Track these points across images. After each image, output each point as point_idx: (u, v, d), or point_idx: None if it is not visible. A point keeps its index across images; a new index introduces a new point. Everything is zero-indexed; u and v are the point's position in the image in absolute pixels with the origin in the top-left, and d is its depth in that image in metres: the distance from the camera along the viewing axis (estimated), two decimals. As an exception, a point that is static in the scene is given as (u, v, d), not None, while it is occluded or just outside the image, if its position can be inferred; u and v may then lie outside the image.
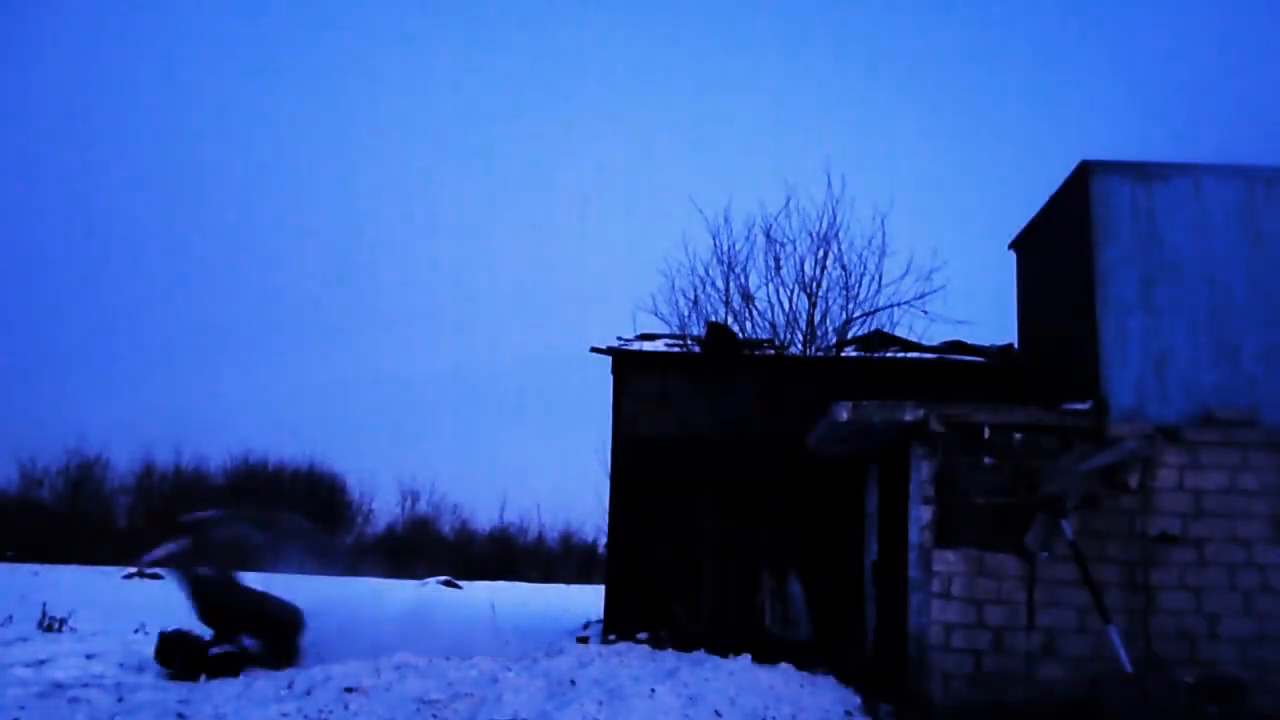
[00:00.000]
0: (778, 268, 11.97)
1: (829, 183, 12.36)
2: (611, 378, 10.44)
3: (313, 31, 59.15)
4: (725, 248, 12.13)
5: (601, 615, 10.57)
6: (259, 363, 52.54)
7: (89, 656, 7.59)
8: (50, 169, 52.47)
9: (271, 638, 7.47)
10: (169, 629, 7.65)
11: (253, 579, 8.13)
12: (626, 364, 10.40)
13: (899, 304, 11.85)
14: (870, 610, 8.88)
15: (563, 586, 29.16)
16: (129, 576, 22.02)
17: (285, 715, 5.59)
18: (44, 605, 10.04)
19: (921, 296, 11.80)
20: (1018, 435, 7.11)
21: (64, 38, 49.82)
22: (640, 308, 12.53)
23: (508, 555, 36.57)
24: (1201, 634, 6.77)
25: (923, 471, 7.09)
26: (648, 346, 10.62)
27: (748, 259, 12.11)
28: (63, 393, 45.42)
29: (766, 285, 12.10)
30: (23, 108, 48.83)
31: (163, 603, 15.04)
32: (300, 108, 58.44)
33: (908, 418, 7.15)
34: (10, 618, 10.11)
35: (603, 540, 11.16)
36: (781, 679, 6.89)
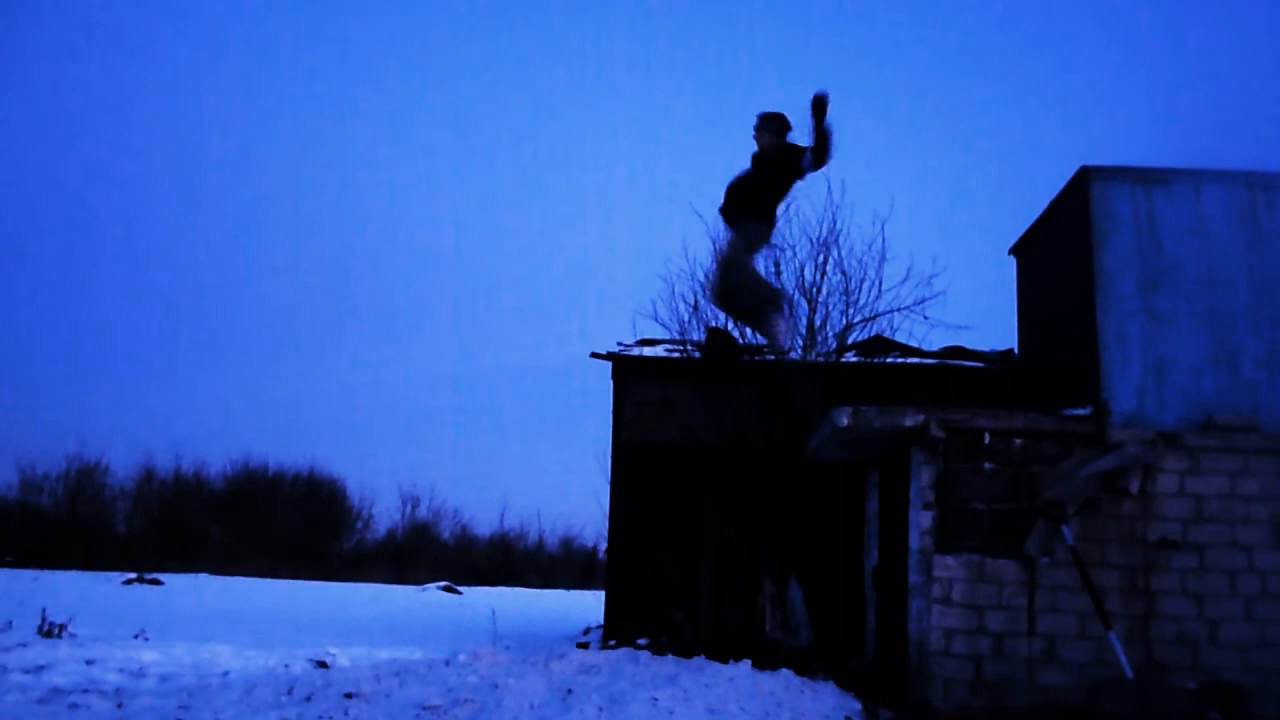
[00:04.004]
0: (777, 273, 11.97)
1: (829, 187, 12.33)
2: (611, 383, 10.45)
3: (312, 33, 59.29)
4: (725, 253, 12.11)
5: (601, 621, 10.56)
6: (259, 368, 52.53)
7: (89, 662, 7.58)
8: (49, 170, 52.54)
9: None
10: None
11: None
12: (626, 369, 10.42)
13: (899, 309, 11.82)
14: (871, 616, 8.86)
15: (563, 592, 29.14)
16: (129, 582, 22.03)
17: (285, 721, 5.58)
18: (43, 611, 10.01)
19: (922, 302, 11.78)
20: (1018, 440, 7.11)
21: (61, 36, 49.94)
22: (641, 313, 12.52)
23: (508, 561, 36.52)
24: (1203, 639, 6.76)
25: (923, 477, 7.09)
26: (648, 352, 10.64)
27: (748, 264, 12.09)
28: (62, 397, 45.44)
29: (767, 290, 12.09)
30: (20, 107, 48.92)
31: (162, 608, 15.04)
32: (300, 110, 58.53)
33: (908, 423, 7.15)
34: (10, 623, 10.09)
35: (603, 546, 11.17)
36: (782, 685, 6.88)
